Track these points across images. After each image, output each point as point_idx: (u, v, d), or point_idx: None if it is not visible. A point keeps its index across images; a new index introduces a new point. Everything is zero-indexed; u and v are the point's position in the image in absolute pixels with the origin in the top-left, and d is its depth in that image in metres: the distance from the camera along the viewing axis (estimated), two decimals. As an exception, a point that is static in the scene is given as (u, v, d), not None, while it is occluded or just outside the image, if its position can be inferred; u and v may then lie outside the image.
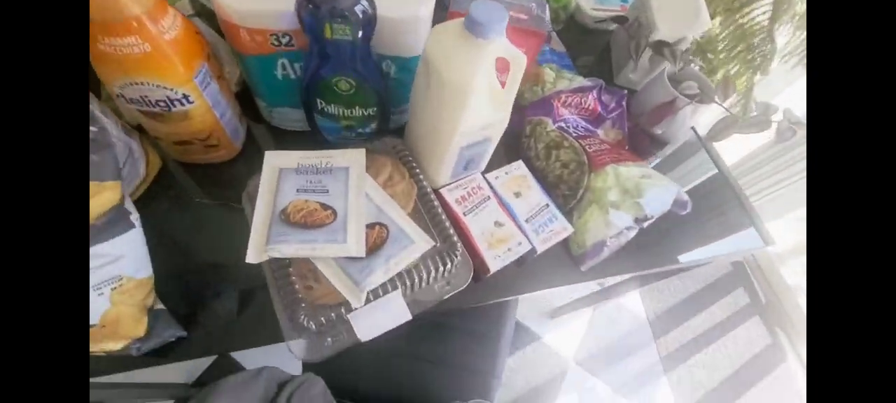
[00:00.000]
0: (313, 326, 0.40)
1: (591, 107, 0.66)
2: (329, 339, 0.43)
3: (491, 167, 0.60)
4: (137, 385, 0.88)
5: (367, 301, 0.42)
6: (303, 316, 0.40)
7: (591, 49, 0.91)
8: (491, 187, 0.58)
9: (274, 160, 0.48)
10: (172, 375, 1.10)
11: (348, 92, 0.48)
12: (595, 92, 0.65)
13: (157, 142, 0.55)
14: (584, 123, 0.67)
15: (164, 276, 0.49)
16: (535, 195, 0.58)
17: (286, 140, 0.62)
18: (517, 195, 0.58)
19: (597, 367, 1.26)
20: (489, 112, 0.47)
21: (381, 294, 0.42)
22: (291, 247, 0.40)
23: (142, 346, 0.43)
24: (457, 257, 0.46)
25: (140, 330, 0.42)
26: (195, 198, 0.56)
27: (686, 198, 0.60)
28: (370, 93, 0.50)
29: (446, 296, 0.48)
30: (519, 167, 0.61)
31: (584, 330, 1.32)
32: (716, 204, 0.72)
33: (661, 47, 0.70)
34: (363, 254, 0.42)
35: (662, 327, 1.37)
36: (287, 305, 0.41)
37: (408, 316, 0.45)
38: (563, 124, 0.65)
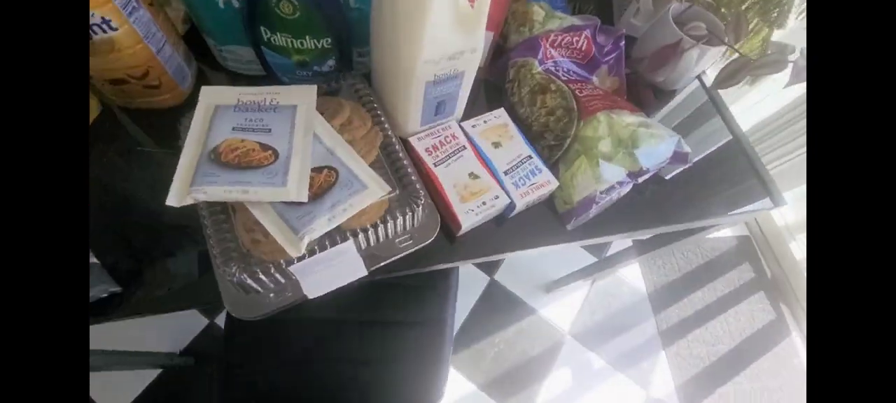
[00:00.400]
0: (247, 280, 0.35)
1: (583, 49, 0.59)
2: (271, 295, 0.38)
3: (470, 116, 0.54)
4: (121, 353, 0.85)
5: (312, 252, 0.36)
6: (235, 269, 0.34)
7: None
8: (467, 136, 0.52)
9: (210, 96, 0.42)
10: (159, 344, 1.07)
11: (293, 15, 0.42)
12: (589, 31, 0.58)
13: (93, 84, 0.49)
14: (576, 68, 0.60)
15: (101, 229, 0.44)
16: (516, 146, 0.52)
17: (241, 84, 0.56)
18: (496, 145, 0.52)
19: (593, 341, 1.22)
20: (456, 37, 0.40)
21: (328, 245, 0.37)
22: (220, 189, 0.35)
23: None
24: (418, 207, 0.41)
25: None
26: (137, 147, 0.51)
27: (687, 149, 0.53)
28: (320, 19, 0.43)
29: (408, 251, 0.42)
30: (500, 115, 0.55)
31: (580, 304, 1.28)
32: (724, 168, 0.64)
33: (666, -17, 0.62)
34: (304, 199, 0.36)
35: (662, 301, 1.31)
36: (221, 257, 0.35)
37: (362, 272, 0.40)
38: (551, 67, 0.58)
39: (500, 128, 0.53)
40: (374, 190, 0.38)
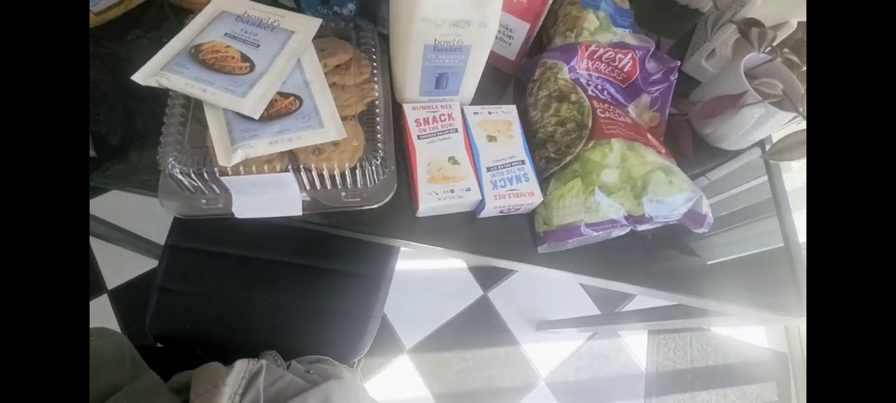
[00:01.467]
0: (178, 175, 0.35)
1: (626, 70, 0.53)
2: (203, 201, 0.38)
3: (482, 103, 0.50)
4: (115, 227, 0.92)
5: (250, 171, 0.35)
6: (172, 161, 0.35)
7: (670, 30, 0.74)
8: (464, 120, 0.48)
9: (222, 1, 0.43)
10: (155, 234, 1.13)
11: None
12: (639, 53, 0.52)
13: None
14: (612, 89, 0.54)
15: (104, 99, 0.47)
16: (512, 146, 0.48)
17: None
18: (491, 139, 0.48)
19: (567, 398, 1.11)
20: (463, 2, 0.37)
21: (268, 170, 0.36)
22: (182, 80, 0.35)
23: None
24: (372, 167, 0.38)
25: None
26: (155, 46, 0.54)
27: (706, 211, 0.45)
28: (343, -43, 0.42)
29: (350, 208, 0.40)
30: (508, 111, 0.51)
31: (568, 355, 1.17)
32: (764, 261, 0.54)
33: (748, 27, 0.53)
34: (255, 116, 0.35)
35: (659, 387, 1.16)
36: (164, 146, 0.36)
37: (296, 211, 0.39)
38: (582, 79, 0.52)
39: (503, 124, 0.49)
40: (329, 131, 0.37)
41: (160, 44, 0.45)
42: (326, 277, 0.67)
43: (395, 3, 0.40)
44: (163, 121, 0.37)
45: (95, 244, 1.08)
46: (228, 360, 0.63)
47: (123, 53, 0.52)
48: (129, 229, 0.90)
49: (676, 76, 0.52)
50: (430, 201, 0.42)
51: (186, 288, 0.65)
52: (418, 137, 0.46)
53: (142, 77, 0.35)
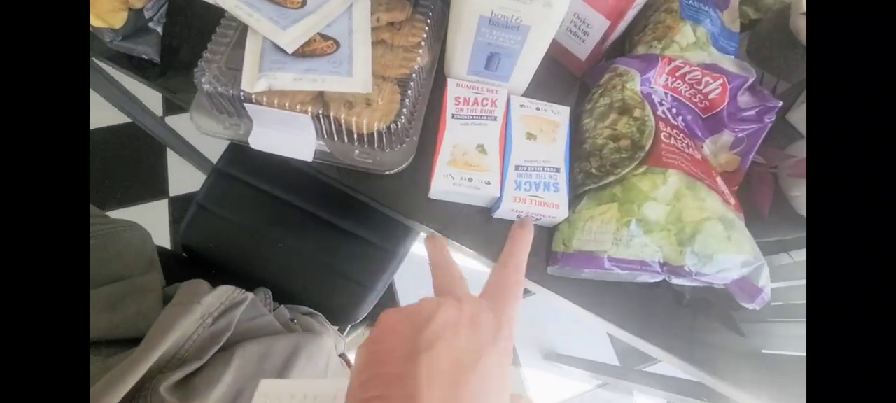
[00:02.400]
0: (207, 88, 0.35)
1: (712, 97, 0.45)
2: (226, 122, 0.39)
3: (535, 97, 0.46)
4: (185, 142, 1.00)
5: (272, 104, 0.35)
6: (206, 76, 0.36)
7: (789, 72, 0.62)
8: (507, 110, 0.44)
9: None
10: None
11: None
12: (732, 81, 0.44)
13: None
14: (689, 116, 0.46)
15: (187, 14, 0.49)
16: (552, 151, 0.43)
17: None
18: (530, 136, 0.43)
19: None
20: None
21: (289, 107, 0.36)
22: (233, 2, 0.36)
23: (115, 39, 0.44)
24: (391, 132, 0.36)
25: (117, 22, 0.43)
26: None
27: (764, 285, 0.37)
28: None
29: (361, 168, 0.39)
30: (560, 112, 0.46)
31: (571, 395, 1.08)
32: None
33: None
34: (289, 50, 0.35)
35: None
36: (204, 61, 0.37)
37: (308, 156, 0.38)
38: (654, 95, 0.45)
39: (548, 125, 0.44)
40: (356, 81, 0.36)
41: None
42: (345, 238, 0.68)
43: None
44: (210, 38, 0.38)
45: (170, 155, 1.19)
46: (231, 284, 0.67)
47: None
48: (197, 148, 0.98)
49: (773, 119, 0.43)
50: (444, 183, 0.39)
51: (220, 210, 0.69)
52: (452, 116, 0.43)
53: (198, -11, 0.36)
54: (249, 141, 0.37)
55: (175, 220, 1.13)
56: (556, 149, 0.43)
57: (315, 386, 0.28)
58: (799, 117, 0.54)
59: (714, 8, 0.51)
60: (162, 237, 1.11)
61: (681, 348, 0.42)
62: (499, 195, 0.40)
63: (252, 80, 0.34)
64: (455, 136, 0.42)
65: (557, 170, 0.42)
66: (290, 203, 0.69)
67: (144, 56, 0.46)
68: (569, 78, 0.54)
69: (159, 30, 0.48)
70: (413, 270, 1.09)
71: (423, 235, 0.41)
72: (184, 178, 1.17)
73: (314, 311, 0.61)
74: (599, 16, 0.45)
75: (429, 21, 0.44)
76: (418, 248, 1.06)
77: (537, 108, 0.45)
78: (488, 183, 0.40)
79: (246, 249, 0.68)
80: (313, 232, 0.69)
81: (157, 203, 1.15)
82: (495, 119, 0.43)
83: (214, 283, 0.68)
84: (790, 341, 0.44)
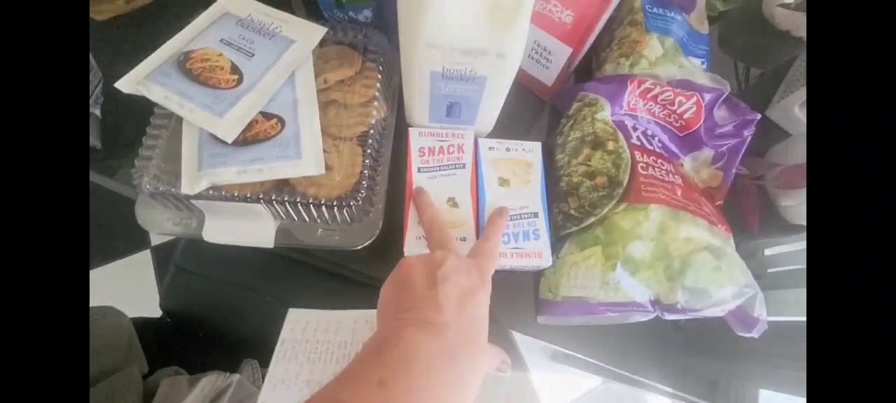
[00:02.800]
0: (148, 190, 0.33)
1: (686, 117, 0.43)
2: (176, 219, 0.36)
3: (503, 135, 0.44)
4: None
5: (221, 197, 0.33)
6: (146, 177, 0.33)
7: (761, 58, 0.61)
8: (476, 155, 0.42)
9: (227, 1, 0.40)
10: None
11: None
12: (707, 96, 0.42)
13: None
14: (664, 137, 0.44)
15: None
16: (528, 194, 0.41)
17: (310, 12, 0.53)
18: (503, 182, 0.41)
19: None
20: (477, 29, 0.31)
21: (238, 198, 0.33)
22: (161, 92, 0.33)
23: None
24: (353, 204, 0.34)
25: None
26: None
27: (760, 315, 0.36)
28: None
29: (328, 247, 0.36)
30: (532, 150, 0.43)
31: (580, 394, 1.07)
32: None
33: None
34: (229, 140, 0.32)
35: None
36: (141, 159, 0.34)
37: (268, 243, 0.35)
38: (629, 122, 0.43)
39: (521, 166, 0.42)
40: (307, 165, 0.33)
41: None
42: (332, 279, 0.65)
43: (401, 19, 0.35)
44: (145, 131, 0.35)
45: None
46: (225, 348, 0.64)
47: (156, 41, 0.51)
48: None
49: (752, 132, 0.42)
50: (417, 247, 0.37)
51: (200, 269, 0.66)
52: (418, 170, 0.40)
53: (125, 84, 0.33)
54: (203, 235, 0.35)
55: (161, 274, 1.10)
56: (531, 193, 0.41)
57: (337, 315, 0.34)
58: (780, 113, 0.53)
59: (679, 11, 0.48)
60: (150, 293, 1.08)
61: (688, 385, 0.41)
62: None
63: (192, 181, 0.31)
64: None
65: (535, 214, 0.40)
66: (271, 251, 0.67)
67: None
68: (537, 102, 0.52)
69: (98, 112, 0.45)
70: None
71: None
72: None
73: None
74: (561, 43, 0.43)
75: (380, 69, 0.41)
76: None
77: (507, 149, 0.43)
78: (464, 239, 0.38)
79: (231, 307, 0.65)
80: (299, 278, 0.67)
81: (140, 255, 1.12)
82: (464, 166, 0.41)
83: (202, 346, 0.66)
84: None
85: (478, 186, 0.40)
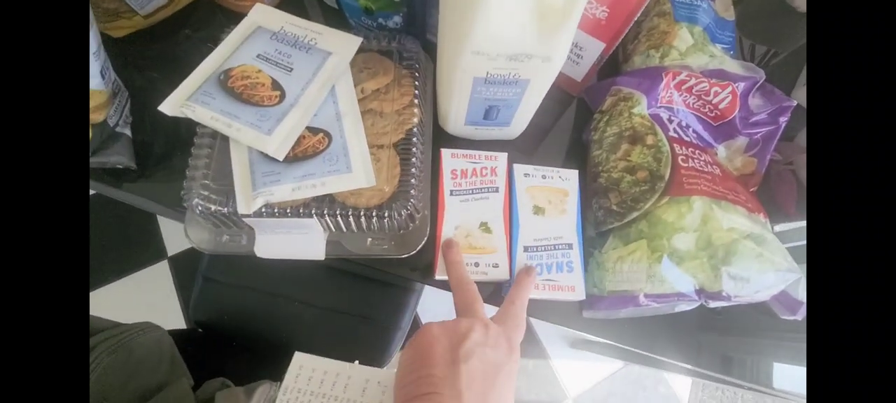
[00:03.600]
0: (199, 211, 0.33)
1: (722, 107, 0.43)
2: (226, 237, 0.36)
3: (534, 159, 0.43)
4: None
5: (273, 214, 0.33)
6: (195, 197, 0.33)
7: (783, 41, 0.60)
8: (510, 180, 0.42)
9: (258, 15, 0.40)
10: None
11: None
12: (742, 85, 0.42)
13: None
14: (699, 126, 0.45)
15: (150, 107, 0.46)
16: (562, 225, 0.40)
17: (335, 22, 0.52)
18: (538, 210, 0.41)
19: None
20: (526, 34, 0.30)
21: (290, 213, 0.33)
22: (207, 113, 0.33)
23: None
24: (401, 213, 0.34)
25: (85, 138, 0.40)
26: (208, 44, 0.52)
27: (804, 297, 0.36)
28: (389, -34, 0.37)
29: (378, 256, 0.37)
30: (568, 178, 0.42)
31: (601, 378, 1.09)
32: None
33: None
34: (280, 158, 0.32)
35: None
36: (188, 179, 0.34)
37: (319, 255, 0.36)
38: (663, 114, 0.43)
39: (556, 194, 0.42)
40: (358, 177, 0.33)
41: (212, 41, 0.41)
42: (360, 282, 0.66)
43: (444, 26, 0.34)
44: (191, 152, 0.35)
45: (160, 217, 1.16)
46: (259, 354, 0.65)
47: (172, 54, 0.51)
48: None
49: (788, 118, 0.42)
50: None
51: (227, 279, 0.66)
52: (451, 192, 0.40)
53: (169, 107, 0.33)
54: (256, 251, 0.35)
55: (181, 283, 1.10)
56: (567, 223, 0.41)
57: (347, 369, 0.31)
58: (805, 95, 0.53)
59: (705, -1, 0.48)
60: (171, 306, 1.08)
61: (691, 358, 0.42)
62: (509, 278, 0.38)
63: (247, 201, 0.31)
64: (456, 216, 0.39)
65: (570, 246, 0.40)
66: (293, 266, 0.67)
67: (119, 165, 0.43)
68: (565, 96, 0.52)
69: (128, 131, 0.44)
70: (435, 294, 1.08)
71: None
72: (178, 232, 1.14)
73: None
74: (593, 40, 0.43)
75: (416, 76, 0.41)
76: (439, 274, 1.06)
77: (543, 177, 0.42)
78: (496, 266, 0.38)
79: (261, 314, 0.66)
80: (326, 282, 0.67)
81: (158, 266, 1.12)
82: (497, 190, 0.41)
83: (235, 355, 0.67)
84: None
85: (512, 212, 0.40)
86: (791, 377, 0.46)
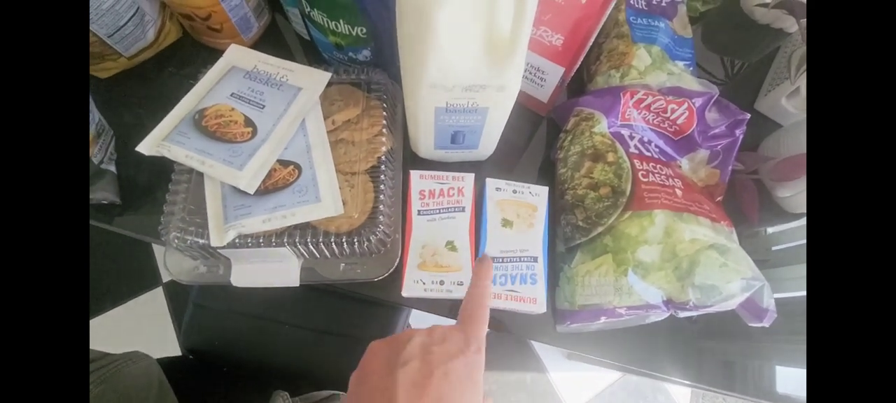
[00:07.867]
0: (176, 243, 0.34)
1: (680, 123, 0.45)
2: (203, 267, 0.38)
3: (510, 177, 0.45)
4: None
5: (246, 244, 0.34)
6: (173, 231, 0.35)
7: (745, 52, 0.63)
8: (481, 197, 0.43)
9: (233, 56, 0.42)
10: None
11: (326, -7, 0.39)
12: (697, 102, 0.44)
13: (173, 12, 0.53)
14: (660, 142, 0.46)
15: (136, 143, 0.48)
16: (529, 238, 0.42)
17: (311, 56, 0.54)
18: (506, 223, 0.42)
19: None
20: (479, 67, 0.32)
21: (263, 243, 0.35)
22: (182, 152, 0.35)
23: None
24: (371, 238, 0.36)
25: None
26: (190, 81, 0.54)
27: (769, 305, 0.37)
28: (355, 4, 0.39)
29: (351, 280, 0.38)
30: (538, 194, 0.44)
31: (600, 389, 1.09)
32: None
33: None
34: (251, 192, 0.34)
35: None
36: (170, 214, 0.36)
37: (294, 283, 0.37)
38: (624, 131, 0.45)
39: (526, 209, 0.43)
40: (326, 206, 0.35)
41: (195, 77, 0.43)
42: (348, 302, 0.67)
43: (403, 61, 0.36)
44: (157, 179, 0.36)
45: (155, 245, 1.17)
46: (250, 380, 0.65)
47: (157, 92, 0.53)
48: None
49: (744, 131, 0.43)
50: (415, 290, 0.39)
51: (217, 305, 0.67)
52: (418, 212, 0.42)
53: (146, 147, 0.35)
54: (232, 281, 0.36)
55: (176, 310, 1.11)
56: (533, 236, 0.42)
57: None
58: (768, 106, 0.55)
59: (662, 18, 0.50)
60: (168, 333, 1.09)
61: (709, 375, 0.42)
62: None
63: (220, 233, 0.33)
64: (422, 235, 0.40)
65: (535, 259, 0.41)
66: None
67: (104, 201, 0.45)
68: (535, 116, 0.54)
69: (113, 168, 0.46)
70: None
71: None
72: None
73: (334, 392, 0.60)
74: (553, 64, 0.45)
75: (384, 105, 0.43)
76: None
77: (514, 191, 0.44)
78: (461, 284, 0.39)
79: (250, 339, 0.66)
80: (314, 304, 0.68)
81: (152, 293, 1.13)
82: (463, 209, 0.42)
83: (227, 381, 0.67)
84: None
85: (479, 227, 0.42)
86: (795, 379, 0.46)
